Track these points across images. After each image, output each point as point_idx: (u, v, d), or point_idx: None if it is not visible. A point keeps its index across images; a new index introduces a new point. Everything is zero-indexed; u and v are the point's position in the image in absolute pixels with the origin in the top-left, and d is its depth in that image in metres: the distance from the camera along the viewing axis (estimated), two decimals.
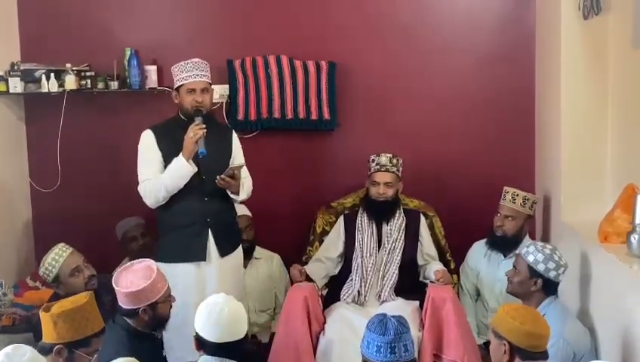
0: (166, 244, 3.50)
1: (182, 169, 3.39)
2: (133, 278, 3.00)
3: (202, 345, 2.78)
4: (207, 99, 3.50)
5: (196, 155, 3.39)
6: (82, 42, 4.39)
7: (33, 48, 4.39)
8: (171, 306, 3.10)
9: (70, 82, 4.20)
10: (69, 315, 2.62)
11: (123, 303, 3.02)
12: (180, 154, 3.39)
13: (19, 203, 4.42)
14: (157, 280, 3.02)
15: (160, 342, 3.18)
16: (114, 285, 3.01)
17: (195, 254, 3.48)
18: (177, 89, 3.50)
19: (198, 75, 3.47)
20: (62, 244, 3.51)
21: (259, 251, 4.26)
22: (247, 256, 4.17)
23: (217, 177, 3.41)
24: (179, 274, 3.40)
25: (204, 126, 3.38)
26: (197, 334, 2.78)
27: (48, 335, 2.63)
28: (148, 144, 3.48)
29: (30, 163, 4.51)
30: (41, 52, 4.34)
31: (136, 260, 3.13)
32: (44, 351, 2.56)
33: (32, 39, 4.41)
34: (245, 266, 4.16)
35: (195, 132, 3.36)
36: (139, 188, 3.45)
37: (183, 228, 3.46)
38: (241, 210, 4.13)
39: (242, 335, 2.79)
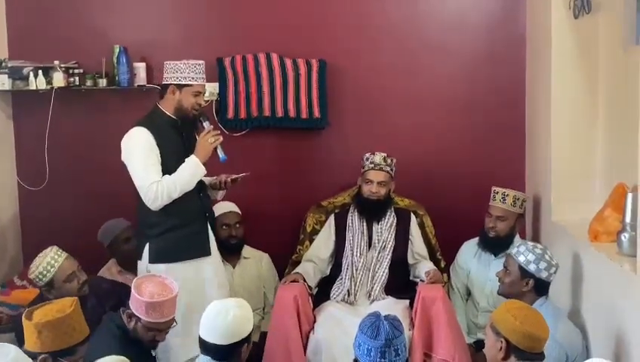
0: (167, 245, 3.40)
1: (200, 172, 3.41)
2: (153, 289, 2.98)
3: (201, 344, 2.80)
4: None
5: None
6: (70, 39, 4.36)
7: (21, 45, 4.35)
8: (165, 332, 3.07)
9: (58, 79, 4.17)
10: (54, 325, 2.55)
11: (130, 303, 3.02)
12: (193, 155, 3.39)
13: (6, 201, 4.38)
14: (164, 306, 2.98)
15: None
16: (133, 286, 3.00)
17: (201, 250, 3.49)
18: (180, 86, 3.41)
19: (204, 80, 3.47)
20: (55, 248, 3.42)
21: (248, 251, 4.24)
22: (236, 253, 4.18)
23: (226, 179, 3.57)
24: (181, 273, 3.37)
25: (219, 132, 3.49)
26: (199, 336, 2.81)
27: (31, 344, 2.55)
28: (149, 143, 3.34)
29: (18, 161, 4.47)
30: (29, 49, 4.31)
31: (164, 277, 3.12)
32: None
33: (20, 36, 4.37)
34: (234, 266, 4.16)
35: (216, 138, 3.43)
36: (145, 189, 3.30)
37: (185, 226, 3.43)
38: (230, 207, 4.14)
39: (242, 338, 2.80)
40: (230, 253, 4.15)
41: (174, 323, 3.06)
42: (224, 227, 4.11)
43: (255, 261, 4.25)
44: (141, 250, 3.44)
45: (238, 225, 4.15)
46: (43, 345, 2.55)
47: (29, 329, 2.56)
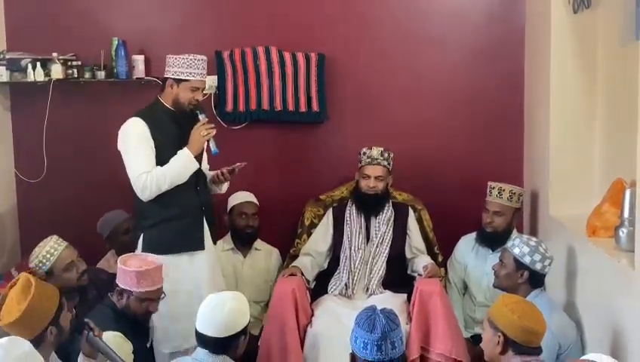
0: (160, 236, 3.42)
1: (192, 165, 3.40)
2: (138, 262, 3.05)
3: (198, 337, 2.80)
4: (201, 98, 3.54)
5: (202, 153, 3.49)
6: (69, 31, 4.34)
7: (19, 37, 4.33)
8: (154, 302, 3.09)
9: (56, 71, 4.16)
10: (28, 315, 2.54)
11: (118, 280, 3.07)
12: (185, 148, 3.39)
13: (4, 193, 4.37)
14: (152, 274, 3.02)
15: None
16: (119, 262, 3.05)
17: (194, 244, 3.48)
18: (177, 81, 3.41)
19: (204, 75, 3.45)
20: (56, 237, 3.43)
21: (259, 243, 4.27)
22: (248, 244, 4.21)
23: (220, 171, 3.52)
24: (172, 265, 3.37)
25: (213, 125, 3.47)
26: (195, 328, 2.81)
27: (26, 335, 2.52)
28: (142, 134, 3.35)
29: (16, 153, 4.46)
30: (27, 41, 4.30)
31: (146, 255, 3.17)
32: (37, 342, 2.50)
33: (18, 28, 4.35)
34: (245, 255, 4.20)
35: (209, 131, 3.42)
36: (135, 179, 3.33)
37: (179, 219, 3.43)
38: (248, 197, 4.20)
39: (238, 330, 2.80)
40: (243, 243, 4.20)
41: (163, 294, 3.10)
42: (243, 216, 4.16)
43: (265, 254, 4.28)
44: (136, 240, 3.47)
45: (255, 216, 4.19)
46: (35, 328, 2.56)
47: (13, 328, 2.54)
